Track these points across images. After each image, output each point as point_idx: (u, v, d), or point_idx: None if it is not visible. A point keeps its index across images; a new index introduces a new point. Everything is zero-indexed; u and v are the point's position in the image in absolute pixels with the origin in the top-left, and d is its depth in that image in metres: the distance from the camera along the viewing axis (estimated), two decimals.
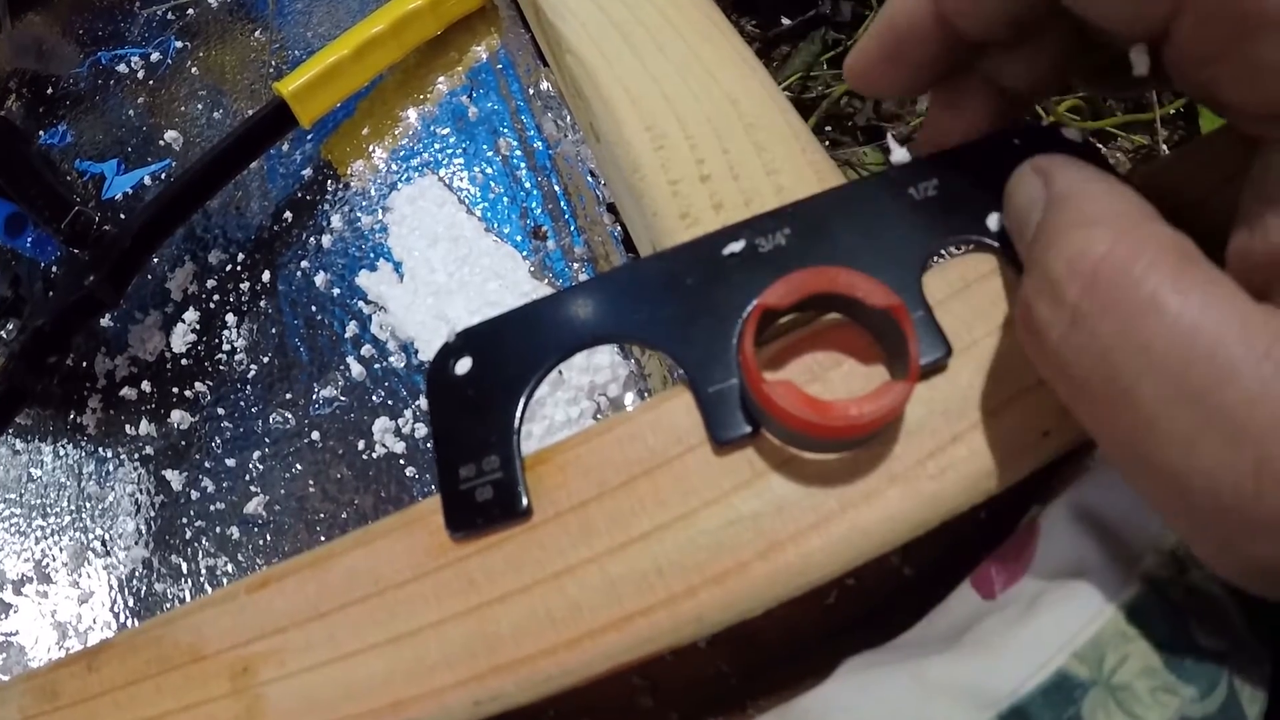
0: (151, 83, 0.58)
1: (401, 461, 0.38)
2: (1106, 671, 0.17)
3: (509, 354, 0.24)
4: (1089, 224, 0.17)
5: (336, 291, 0.44)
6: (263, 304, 0.46)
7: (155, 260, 0.49)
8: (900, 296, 0.20)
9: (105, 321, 0.49)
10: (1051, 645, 0.18)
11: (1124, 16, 0.18)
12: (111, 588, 0.42)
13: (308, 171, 0.49)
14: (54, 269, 0.52)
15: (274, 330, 0.44)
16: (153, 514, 0.43)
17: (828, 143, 0.70)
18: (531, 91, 0.45)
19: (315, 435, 0.41)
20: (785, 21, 0.46)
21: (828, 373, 0.22)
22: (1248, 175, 0.18)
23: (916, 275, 0.23)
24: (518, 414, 0.23)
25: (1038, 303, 0.17)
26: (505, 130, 0.45)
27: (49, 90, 0.61)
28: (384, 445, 0.39)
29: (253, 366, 0.44)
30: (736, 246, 0.24)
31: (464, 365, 0.24)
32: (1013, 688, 0.18)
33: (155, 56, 0.59)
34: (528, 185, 0.43)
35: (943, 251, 0.24)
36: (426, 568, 0.22)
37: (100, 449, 0.46)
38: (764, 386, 0.20)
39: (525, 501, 0.22)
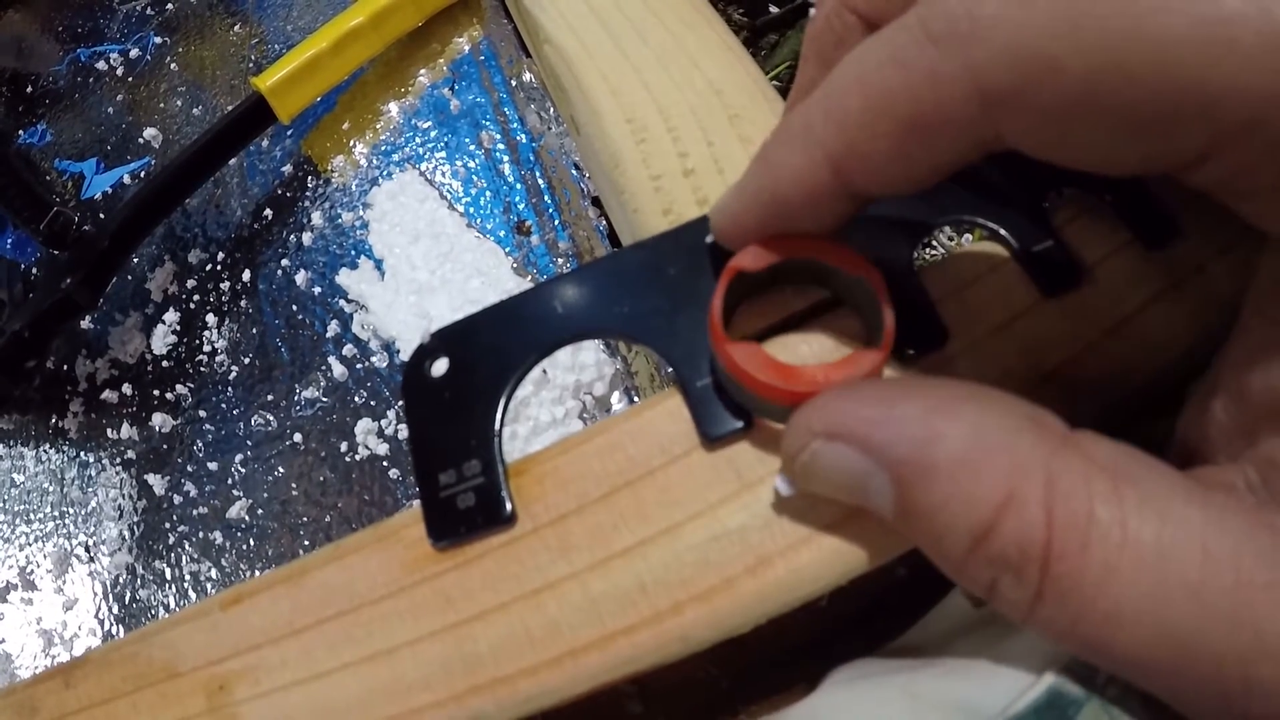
0: (131, 79, 0.57)
1: (384, 464, 0.38)
2: (1100, 685, 0.17)
3: (487, 353, 0.23)
4: (1009, 496, 0.15)
5: (318, 290, 0.43)
6: (243, 304, 0.45)
7: (135, 260, 0.48)
8: (891, 275, 0.20)
9: (85, 323, 0.48)
10: (1043, 658, 0.18)
11: (1128, 165, 0.16)
12: (96, 594, 0.42)
13: (288, 168, 0.48)
14: (34, 270, 0.51)
15: (255, 330, 0.44)
16: (136, 519, 0.42)
17: None
18: (514, 83, 0.44)
19: (297, 437, 0.40)
20: (773, 9, 0.45)
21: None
22: (1255, 295, 0.17)
23: (910, 255, 0.22)
24: (498, 416, 0.22)
25: (1003, 580, 0.16)
26: (488, 123, 0.44)
27: (28, 89, 0.60)
28: (366, 447, 0.38)
29: (234, 368, 0.43)
30: None
31: (440, 366, 0.24)
32: (1005, 704, 0.17)
33: (134, 53, 0.58)
34: (511, 179, 0.42)
35: (937, 243, 0.23)
36: (402, 584, 0.22)
37: (82, 453, 0.45)
38: (729, 349, 0.19)
39: (509, 508, 0.21)
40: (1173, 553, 0.14)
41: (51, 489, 0.45)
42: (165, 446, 0.43)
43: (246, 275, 0.46)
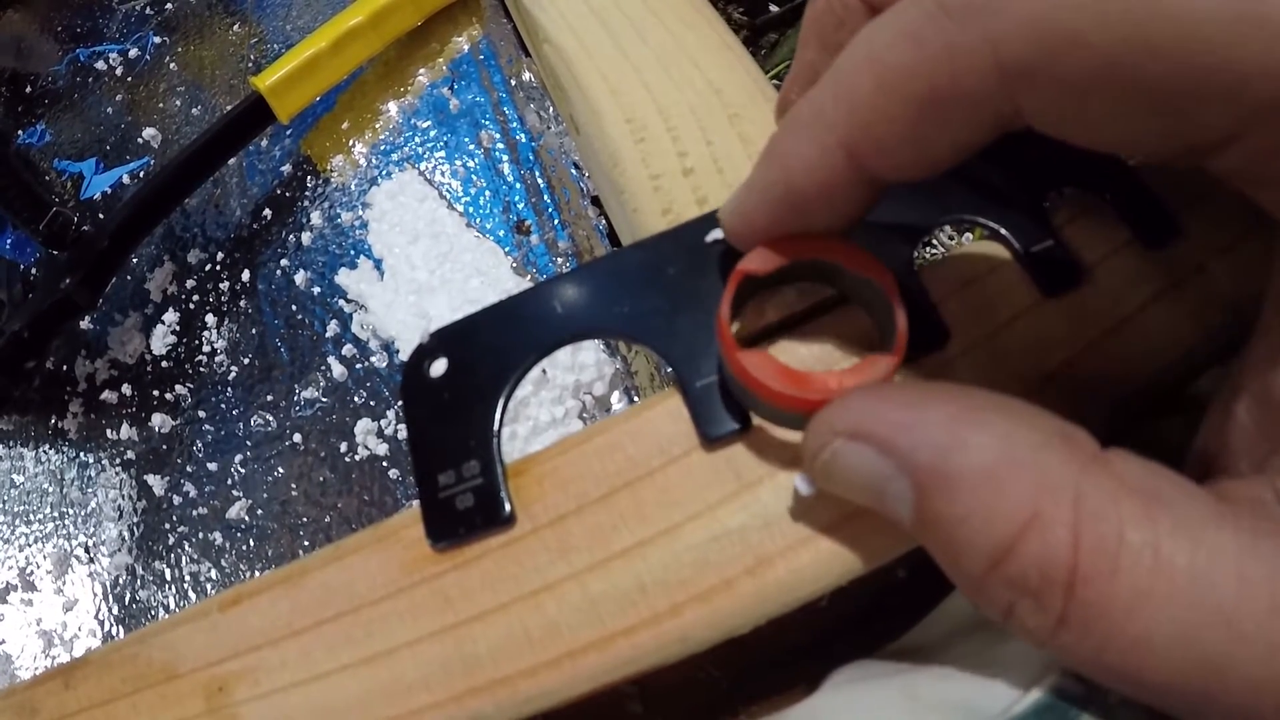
0: (130, 79, 0.57)
1: (384, 464, 0.38)
2: (1103, 689, 0.17)
3: (486, 353, 0.23)
4: (1034, 516, 0.15)
5: (317, 290, 0.43)
6: (243, 304, 0.45)
7: (134, 260, 0.48)
8: (891, 272, 0.20)
9: (85, 324, 0.48)
10: (1044, 661, 0.17)
11: (1149, 146, 0.16)
12: (96, 595, 0.42)
13: (287, 168, 0.48)
14: (34, 270, 0.51)
15: (254, 330, 0.44)
16: (135, 520, 0.42)
17: None
18: (514, 82, 0.44)
19: (297, 437, 0.40)
20: (773, 8, 0.44)
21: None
22: (1275, 291, 0.17)
23: (910, 255, 0.22)
24: (497, 416, 0.22)
25: (1021, 605, 0.15)
26: (487, 122, 0.44)
27: (27, 89, 0.60)
28: (366, 447, 0.38)
29: (233, 368, 0.43)
30: (720, 233, 0.23)
31: (439, 367, 0.23)
32: (1005, 706, 0.17)
33: (134, 53, 0.58)
34: (510, 179, 0.42)
35: (937, 242, 0.23)
36: (401, 584, 0.22)
37: (82, 454, 0.45)
38: (739, 356, 0.19)
39: (508, 508, 0.21)
40: (1207, 578, 0.13)
41: (51, 490, 0.45)
42: (165, 447, 0.43)
43: (246, 275, 0.45)
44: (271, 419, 0.41)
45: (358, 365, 0.40)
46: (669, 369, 0.22)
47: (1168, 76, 0.14)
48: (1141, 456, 0.15)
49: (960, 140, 0.17)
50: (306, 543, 0.38)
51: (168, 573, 0.40)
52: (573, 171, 0.40)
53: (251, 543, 0.39)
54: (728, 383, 0.21)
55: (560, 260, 0.39)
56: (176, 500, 0.41)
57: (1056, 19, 0.14)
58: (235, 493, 0.40)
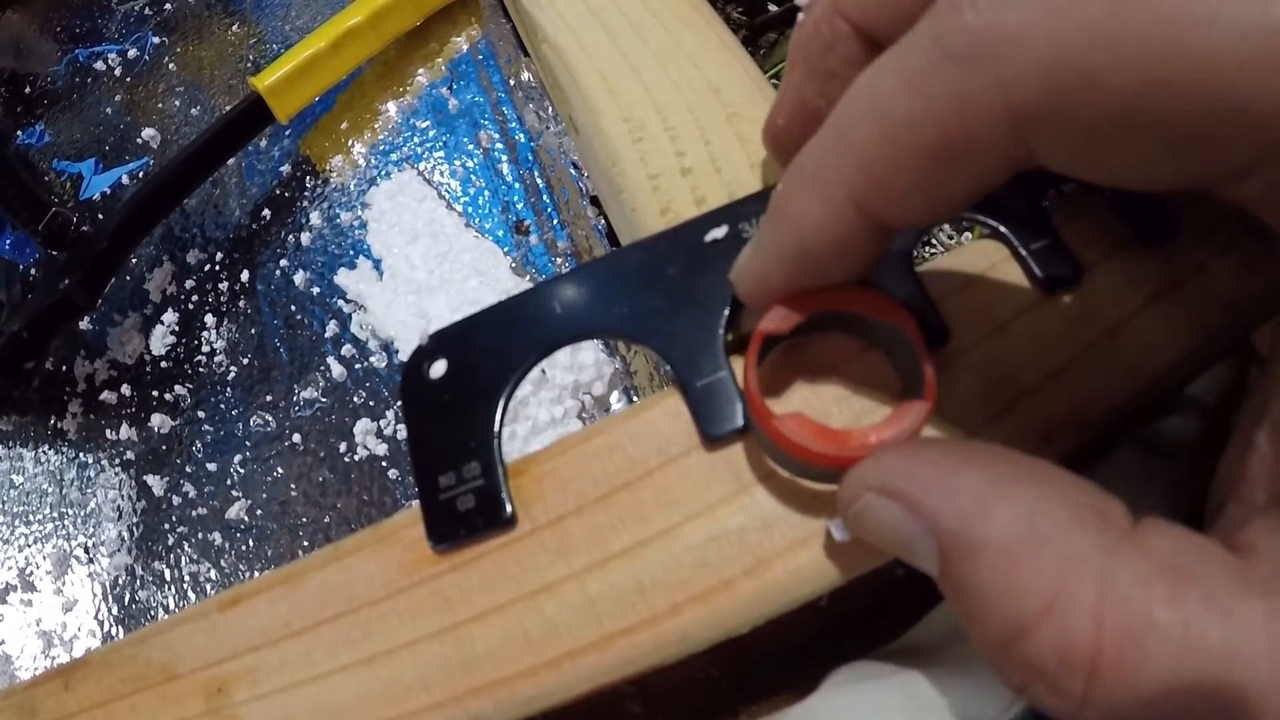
0: (129, 80, 0.57)
1: (384, 464, 0.38)
2: None
3: (485, 354, 0.23)
4: (1055, 598, 0.14)
5: (316, 290, 0.43)
6: (242, 304, 0.45)
7: (133, 261, 0.48)
8: (890, 274, 0.19)
9: (84, 324, 0.48)
10: None
11: (1165, 181, 0.15)
12: (95, 595, 0.42)
13: (286, 168, 0.48)
14: (33, 271, 0.51)
15: (253, 331, 0.44)
16: (135, 520, 0.42)
17: None
18: (513, 82, 0.44)
19: (296, 438, 0.40)
20: (772, 8, 0.44)
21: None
22: None
23: (909, 253, 0.22)
24: (497, 418, 0.22)
25: (1035, 687, 0.15)
26: (486, 122, 0.44)
27: (27, 89, 0.60)
28: (365, 447, 0.38)
29: (232, 368, 0.43)
30: (719, 233, 0.23)
31: (439, 368, 0.23)
32: (1003, 705, 0.17)
33: (133, 53, 0.58)
34: (510, 179, 0.42)
35: (937, 242, 0.23)
36: (400, 585, 0.22)
37: (81, 454, 0.45)
38: (775, 424, 0.19)
39: (509, 509, 0.21)
40: (1240, 653, 0.13)
41: (51, 490, 0.45)
42: (164, 447, 0.43)
43: (245, 275, 0.45)
44: (271, 419, 0.41)
45: (357, 365, 0.40)
46: (668, 369, 0.22)
47: (1185, 115, 0.13)
48: (1171, 524, 0.15)
49: (973, 186, 0.16)
50: (306, 543, 0.38)
51: (167, 573, 0.40)
52: (571, 171, 0.40)
53: (251, 543, 0.39)
54: (760, 441, 0.20)
55: (559, 260, 0.39)
56: (176, 501, 0.41)
57: (1070, 61, 0.14)
58: (235, 493, 0.40)
